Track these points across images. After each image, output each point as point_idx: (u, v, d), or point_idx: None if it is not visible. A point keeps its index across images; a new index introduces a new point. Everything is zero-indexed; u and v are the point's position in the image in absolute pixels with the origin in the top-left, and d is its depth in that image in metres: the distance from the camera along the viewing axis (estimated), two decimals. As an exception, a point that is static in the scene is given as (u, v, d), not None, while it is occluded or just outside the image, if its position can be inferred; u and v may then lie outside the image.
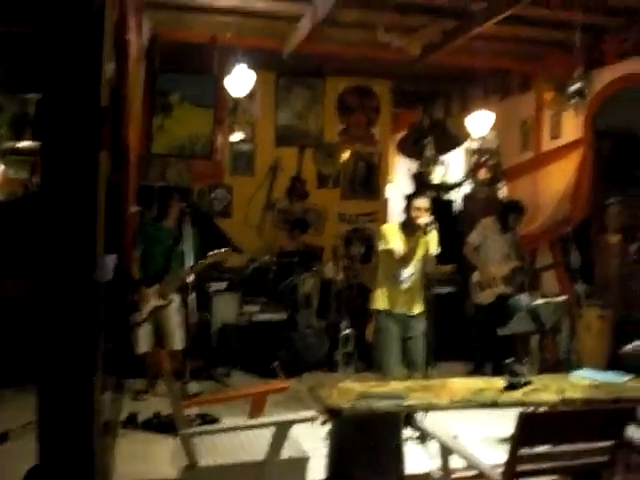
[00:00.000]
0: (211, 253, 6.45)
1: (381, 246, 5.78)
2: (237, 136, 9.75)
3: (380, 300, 5.81)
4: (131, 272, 6.61)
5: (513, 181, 9.46)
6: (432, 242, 5.67)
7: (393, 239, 5.72)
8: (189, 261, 6.42)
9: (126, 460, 4.90)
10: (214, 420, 5.47)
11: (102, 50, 2.37)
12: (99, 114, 2.42)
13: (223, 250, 6.59)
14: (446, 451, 3.53)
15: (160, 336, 6.64)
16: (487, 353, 8.01)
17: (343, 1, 6.39)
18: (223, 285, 8.16)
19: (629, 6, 6.85)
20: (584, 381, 4.71)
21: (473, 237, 7.94)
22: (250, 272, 8.74)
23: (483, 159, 11.02)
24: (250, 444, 4.00)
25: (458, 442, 3.70)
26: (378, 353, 5.78)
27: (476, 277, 7.94)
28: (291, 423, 3.81)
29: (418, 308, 5.81)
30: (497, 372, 7.50)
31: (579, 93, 6.31)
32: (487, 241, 7.88)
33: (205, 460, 3.72)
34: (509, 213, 7.90)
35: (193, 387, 6.66)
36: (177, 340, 6.63)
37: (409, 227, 5.74)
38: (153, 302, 6.55)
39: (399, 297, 5.76)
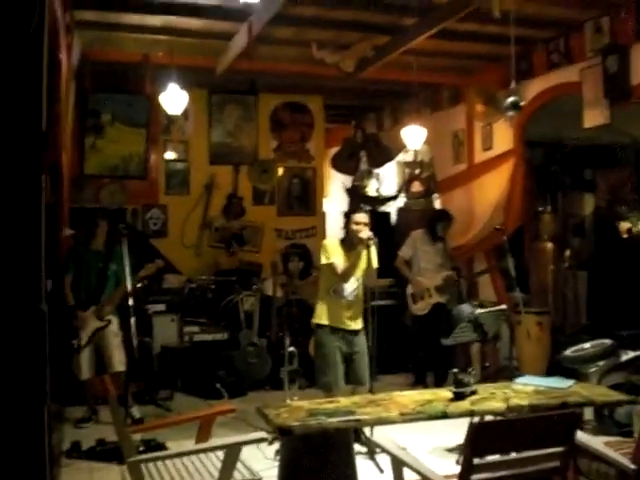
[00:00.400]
0: (145, 266, 6.41)
1: (322, 261, 5.77)
2: (171, 155, 9.66)
3: (322, 315, 5.79)
4: (66, 299, 6.47)
5: (447, 193, 9.60)
6: (373, 256, 5.68)
7: (334, 254, 5.71)
8: (124, 281, 6.32)
9: (71, 491, 4.78)
10: (160, 445, 5.35)
11: (42, 72, 2.31)
12: (40, 138, 2.36)
13: (156, 261, 6.53)
14: (398, 464, 3.52)
15: (101, 360, 6.50)
16: (428, 364, 8.09)
17: (277, 18, 6.39)
18: (162, 307, 8.05)
19: (557, 18, 7.05)
20: (528, 387, 4.76)
21: (404, 250, 8.05)
22: (188, 292, 8.64)
23: (416, 172, 11.16)
24: (199, 468, 3.93)
25: (408, 454, 3.69)
26: (321, 369, 5.74)
27: (410, 289, 8.03)
28: (241, 445, 3.74)
29: (361, 323, 5.80)
30: (439, 382, 7.62)
31: (515, 106, 6.44)
32: (418, 253, 7.99)
33: (155, 487, 3.64)
34: (436, 223, 8.03)
35: (136, 412, 6.53)
36: (117, 362, 6.49)
37: (349, 242, 5.74)
38: (92, 325, 6.41)
39: (342, 312, 5.74)
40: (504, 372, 7.19)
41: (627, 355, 6.03)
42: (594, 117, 6.98)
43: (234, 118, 10.02)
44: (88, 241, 6.74)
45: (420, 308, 7.94)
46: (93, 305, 6.51)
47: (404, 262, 8.02)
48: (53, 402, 6.18)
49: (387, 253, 7.10)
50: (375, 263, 5.69)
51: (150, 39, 7.51)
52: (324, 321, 5.75)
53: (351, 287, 5.72)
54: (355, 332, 5.76)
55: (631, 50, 6.53)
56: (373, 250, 5.68)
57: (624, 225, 10.57)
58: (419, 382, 8.03)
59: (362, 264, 5.71)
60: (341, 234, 6.06)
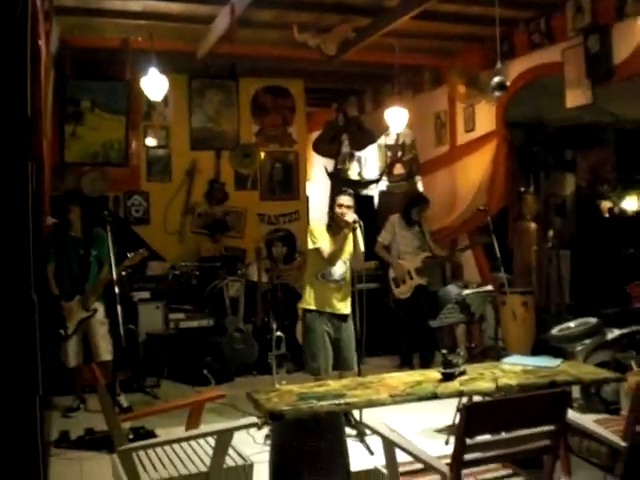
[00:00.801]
0: (129, 255, 6.34)
1: (309, 245, 5.75)
2: (152, 141, 9.59)
3: (310, 300, 5.78)
4: (49, 289, 6.39)
5: (430, 175, 9.60)
6: (359, 239, 5.67)
7: (321, 238, 5.70)
8: (106, 265, 6.30)
9: (61, 480, 4.76)
10: (150, 433, 5.34)
11: (26, 59, 2.27)
12: (26, 125, 2.32)
13: (140, 251, 6.46)
14: (389, 446, 3.52)
15: (88, 348, 6.45)
16: (413, 346, 8.13)
17: (258, 0, 6.34)
18: (146, 294, 8.01)
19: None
20: (516, 367, 4.78)
21: (383, 236, 8.08)
22: (172, 279, 8.61)
23: (398, 155, 11.16)
24: (190, 455, 3.92)
25: (399, 435, 3.70)
26: (309, 354, 5.74)
27: (392, 273, 8.06)
28: (232, 431, 3.74)
29: (349, 307, 5.80)
30: (425, 364, 7.67)
31: (501, 86, 6.42)
32: (397, 237, 8.02)
33: (147, 475, 3.62)
34: (412, 207, 8.04)
35: (124, 400, 6.50)
36: (104, 351, 6.45)
37: (335, 226, 5.73)
38: (78, 315, 6.36)
39: (330, 296, 5.73)
40: (490, 352, 7.23)
41: (612, 333, 6.07)
42: (576, 97, 6.99)
43: (215, 103, 9.96)
44: (66, 228, 6.63)
45: (403, 292, 7.98)
46: (78, 294, 6.44)
47: (383, 247, 8.05)
48: (44, 392, 6.20)
49: (370, 236, 7.09)
50: (361, 246, 5.68)
51: (130, 24, 7.45)
52: (312, 306, 5.74)
53: (339, 270, 5.72)
54: (343, 317, 5.76)
55: (612, 29, 6.54)
56: (359, 233, 5.66)
57: (605, 204, 10.66)
58: (405, 364, 8.07)
59: (348, 247, 5.70)
60: (326, 218, 6.04)
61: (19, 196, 2.29)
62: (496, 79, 6.47)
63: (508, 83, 6.80)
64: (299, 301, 8.33)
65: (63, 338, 6.25)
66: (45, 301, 6.13)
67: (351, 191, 5.94)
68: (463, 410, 3.06)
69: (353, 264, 5.79)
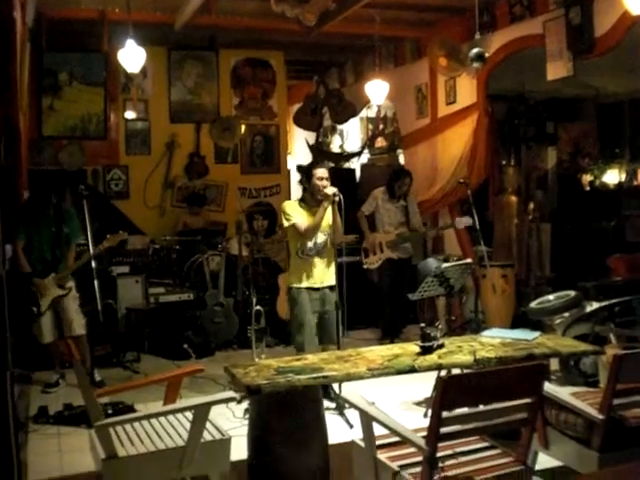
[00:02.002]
0: (108, 236, 6.25)
1: (285, 224, 5.72)
2: (131, 114, 9.49)
3: (294, 277, 5.76)
4: (20, 267, 6.25)
5: (411, 148, 9.57)
6: (338, 212, 5.63)
7: (295, 214, 5.65)
8: (73, 242, 6.30)
9: (40, 455, 4.74)
10: (128, 407, 5.33)
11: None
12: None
13: (120, 232, 6.39)
14: (367, 419, 3.52)
15: (61, 324, 6.39)
16: (395, 318, 8.17)
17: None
18: (126, 268, 7.96)
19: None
20: (494, 340, 4.79)
21: (365, 206, 8.11)
22: (152, 253, 8.55)
23: (380, 127, 11.12)
24: (168, 430, 3.91)
25: (377, 409, 3.70)
26: (295, 327, 5.72)
27: (364, 243, 8.08)
28: (210, 405, 3.72)
29: (331, 280, 5.78)
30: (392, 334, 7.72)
31: (480, 57, 6.38)
32: (380, 210, 8.01)
33: (124, 450, 3.61)
34: (394, 181, 8.02)
35: (97, 375, 6.47)
36: (78, 326, 6.39)
37: (310, 198, 5.68)
38: (52, 292, 6.28)
39: (312, 270, 5.71)
40: (470, 325, 7.26)
41: (591, 306, 6.09)
42: (557, 69, 6.97)
43: (194, 75, 9.86)
44: (39, 205, 6.45)
45: (370, 262, 8.05)
46: (52, 272, 6.34)
47: (364, 216, 8.04)
48: (19, 368, 6.16)
49: (351, 210, 7.07)
50: (339, 218, 5.64)
51: (106, -5, 7.32)
52: (296, 283, 5.72)
53: (320, 242, 5.68)
54: (329, 288, 5.73)
55: (594, 2, 6.50)
56: (338, 205, 5.62)
57: (586, 177, 10.69)
58: (387, 336, 8.09)
59: (327, 220, 5.65)
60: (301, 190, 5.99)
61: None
62: (474, 50, 6.42)
63: (487, 55, 6.76)
64: (279, 275, 8.43)
65: (35, 315, 6.18)
66: (15, 277, 6.08)
67: (327, 163, 5.90)
68: (440, 383, 3.06)
69: (333, 237, 5.76)
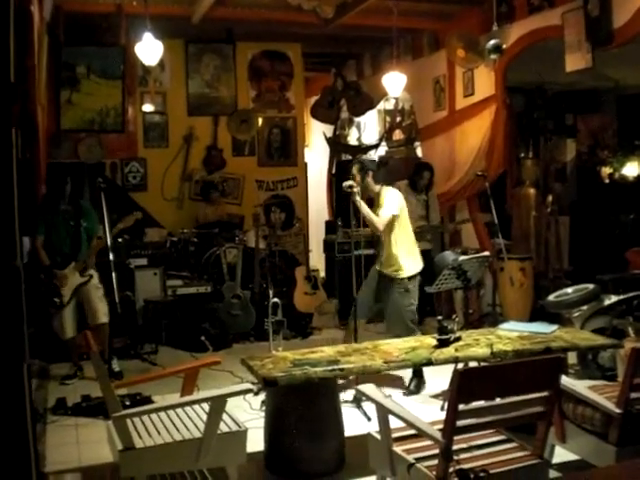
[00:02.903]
0: (125, 218, 6.32)
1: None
2: (148, 107, 9.52)
3: None
4: (41, 261, 6.27)
5: (429, 140, 9.53)
6: (357, 203, 5.77)
7: None
8: (95, 236, 6.31)
9: (58, 447, 4.77)
10: (146, 399, 5.36)
11: (9, 24, 2.22)
12: (9, 90, 2.27)
13: (134, 213, 6.43)
14: (383, 412, 3.52)
15: (82, 316, 6.43)
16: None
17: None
18: (144, 261, 7.99)
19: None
20: (512, 333, 4.79)
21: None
22: (170, 246, 8.59)
23: (397, 120, 11.08)
24: (185, 421, 3.93)
25: (393, 402, 3.70)
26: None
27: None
28: (227, 396, 3.74)
29: (388, 269, 5.97)
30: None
31: (497, 49, 6.34)
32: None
33: (141, 441, 3.63)
34: (416, 175, 8.02)
35: (116, 365, 6.53)
36: (102, 314, 6.44)
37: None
38: (74, 281, 6.33)
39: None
40: (488, 318, 7.23)
41: (610, 299, 6.05)
42: (576, 61, 6.91)
43: (212, 68, 9.86)
44: (57, 200, 6.47)
45: None
46: (70, 263, 6.39)
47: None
48: (38, 359, 6.21)
49: (368, 202, 7.07)
50: (366, 210, 5.76)
51: (123, -12, 7.34)
52: None
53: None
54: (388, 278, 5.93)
55: (613, -8, 6.44)
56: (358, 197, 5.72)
57: (605, 170, 10.60)
58: None
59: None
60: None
61: (3, 163, 2.26)
62: (492, 42, 6.39)
63: (505, 46, 6.71)
64: (296, 267, 8.46)
65: (58, 307, 6.22)
66: (37, 270, 6.13)
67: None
68: (456, 376, 3.05)
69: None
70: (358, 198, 5.65)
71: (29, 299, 2.48)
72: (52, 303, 6.20)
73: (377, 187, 5.85)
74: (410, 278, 5.85)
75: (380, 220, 5.74)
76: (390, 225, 5.77)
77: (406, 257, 5.85)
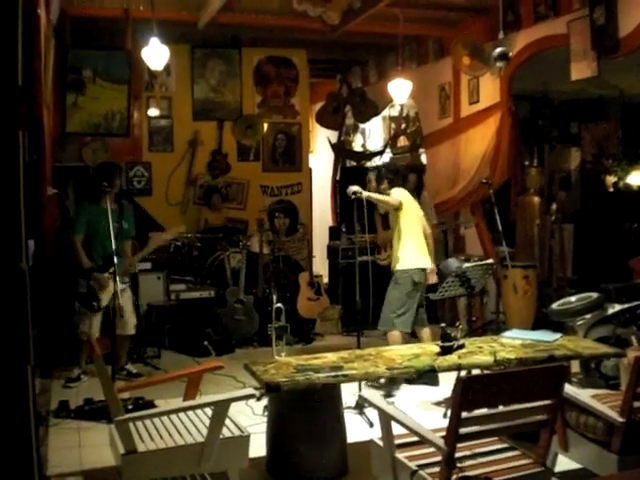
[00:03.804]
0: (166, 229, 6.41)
1: None
2: (154, 111, 9.54)
3: None
4: (79, 262, 6.26)
5: (433, 147, 9.53)
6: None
7: None
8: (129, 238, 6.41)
9: (60, 450, 4.77)
10: (148, 403, 5.36)
11: (17, 26, 2.23)
12: (16, 93, 2.28)
13: (180, 226, 6.71)
14: (386, 419, 3.52)
15: (107, 317, 6.32)
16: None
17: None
18: (148, 265, 7.98)
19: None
20: (515, 341, 4.79)
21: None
22: (173, 250, 8.59)
23: (402, 127, 11.09)
24: (187, 426, 3.93)
25: (396, 409, 3.70)
26: None
27: (377, 240, 8.12)
28: (230, 401, 3.74)
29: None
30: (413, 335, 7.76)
31: (503, 57, 6.35)
32: None
33: (144, 445, 3.63)
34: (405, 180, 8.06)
35: (132, 367, 6.64)
36: (132, 326, 6.49)
37: None
38: (113, 287, 6.28)
39: None
40: (491, 326, 7.23)
41: (613, 308, 6.04)
42: (581, 69, 6.91)
43: (217, 73, 9.88)
44: (98, 199, 6.37)
45: (381, 258, 8.10)
46: (111, 266, 6.32)
47: (379, 214, 8.05)
48: (40, 362, 6.20)
49: (373, 207, 7.10)
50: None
51: (130, -7, 7.37)
52: None
53: None
54: None
55: (618, 2, 6.43)
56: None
57: (610, 179, 10.59)
58: None
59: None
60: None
61: (9, 165, 2.26)
62: (498, 50, 6.40)
63: (512, 54, 6.72)
64: (300, 273, 8.48)
65: (95, 310, 6.19)
66: (44, 271, 6.11)
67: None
68: (459, 383, 3.05)
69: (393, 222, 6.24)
70: (366, 193, 5.81)
71: (35, 301, 2.49)
72: (90, 306, 6.16)
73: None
74: (404, 272, 6.02)
75: (392, 199, 6.02)
76: (396, 217, 6.07)
77: (405, 251, 6.07)
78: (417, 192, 8.09)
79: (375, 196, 5.91)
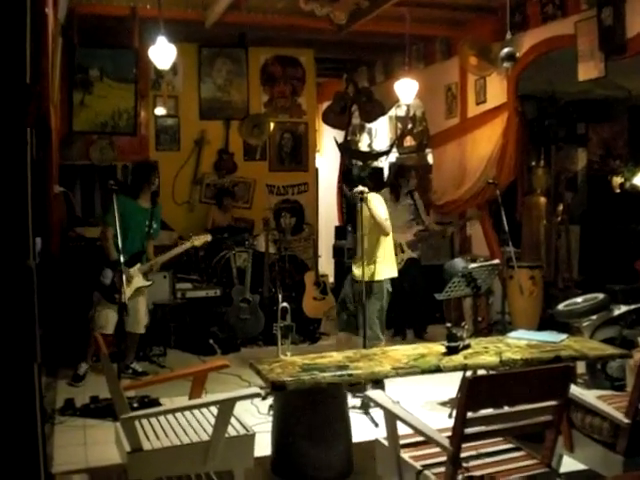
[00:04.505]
0: (194, 237, 6.55)
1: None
2: (161, 110, 9.55)
3: None
4: (107, 253, 6.32)
5: (440, 147, 9.52)
6: (372, 208, 5.94)
7: None
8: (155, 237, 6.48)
9: (66, 448, 4.79)
10: (154, 401, 5.37)
11: (26, 25, 2.24)
12: (24, 91, 2.29)
13: (206, 234, 6.73)
14: (391, 418, 3.52)
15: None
16: (406, 318, 8.19)
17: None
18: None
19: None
20: (521, 342, 4.79)
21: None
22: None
23: (409, 127, 11.09)
24: (193, 424, 3.93)
25: (401, 408, 3.70)
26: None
27: None
28: (235, 400, 3.74)
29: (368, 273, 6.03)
30: (419, 336, 7.78)
31: (511, 57, 6.34)
32: (389, 210, 8.03)
33: (149, 443, 3.64)
34: (395, 181, 8.08)
35: (138, 366, 6.70)
36: (143, 325, 6.56)
37: None
38: (137, 283, 6.32)
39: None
40: (497, 326, 7.22)
41: (619, 309, 6.04)
42: (589, 70, 6.90)
43: (224, 72, 9.88)
44: (136, 196, 6.49)
45: None
46: (137, 262, 6.39)
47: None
48: (48, 360, 6.22)
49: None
50: (377, 214, 5.93)
51: (138, -9, 7.38)
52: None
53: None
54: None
55: (626, 2, 6.42)
56: (371, 203, 5.90)
57: (617, 179, 10.57)
58: (398, 336, 8.14)
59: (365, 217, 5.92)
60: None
61: (17, 163, 2.27)
62: (505, 50, 6.38)
63: (519, 55, 6.71)
64: (306, 272, 8.47)
65: (117, 304, 6.17)
66: (51, 269, 6.12)
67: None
68: (465, 384, 3.05)
69: (377, 232, 6.02)
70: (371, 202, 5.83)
71: (42, 300, 2.50)
72: (111, 298, 6.16)
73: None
74: (380, 282, 6.09)
75: (387, 225, 5.97)
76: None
77: (383, 261, 6.12)
78: (410, 193, 8.13)
79: (377, 213, 5.92)
